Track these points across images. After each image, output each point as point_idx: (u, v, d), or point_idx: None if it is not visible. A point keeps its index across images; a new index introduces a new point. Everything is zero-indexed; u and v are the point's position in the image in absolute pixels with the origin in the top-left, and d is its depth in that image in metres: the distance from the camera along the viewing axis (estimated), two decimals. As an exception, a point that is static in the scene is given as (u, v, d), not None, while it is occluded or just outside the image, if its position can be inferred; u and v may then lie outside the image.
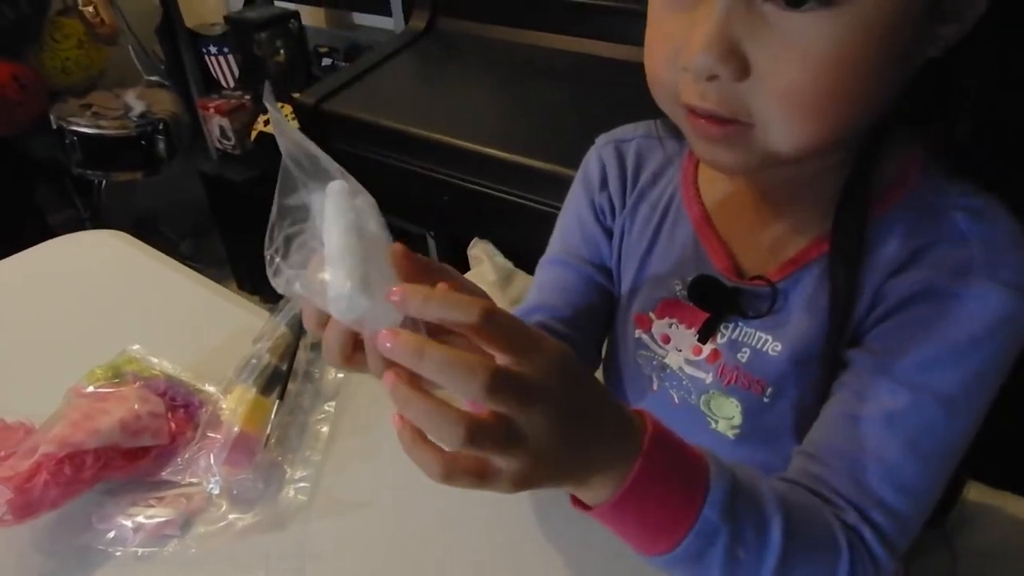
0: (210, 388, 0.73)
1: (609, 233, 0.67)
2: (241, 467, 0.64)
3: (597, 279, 0.67)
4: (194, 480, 0.64)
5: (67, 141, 2.16)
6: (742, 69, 0.44)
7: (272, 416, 0.69)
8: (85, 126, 2.14)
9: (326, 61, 2.15)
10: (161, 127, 2.22)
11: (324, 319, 0.43)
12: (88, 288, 0.94)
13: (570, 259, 0.68)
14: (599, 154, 0.69)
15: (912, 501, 0.48)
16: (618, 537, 0.43)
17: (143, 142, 2.21)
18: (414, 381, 0.36)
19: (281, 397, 0.71)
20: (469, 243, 1.44)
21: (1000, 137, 0.51)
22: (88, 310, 0.90)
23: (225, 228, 2.35)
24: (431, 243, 1.73)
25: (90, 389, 0.68)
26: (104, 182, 2.34)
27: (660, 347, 0.62)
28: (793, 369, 0.54)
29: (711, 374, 0.59)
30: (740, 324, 0.57)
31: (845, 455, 0.49)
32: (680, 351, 0.61)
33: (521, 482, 0.38)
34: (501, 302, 0.62)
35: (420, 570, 0.59)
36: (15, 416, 0.65)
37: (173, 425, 0.67)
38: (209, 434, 0.65)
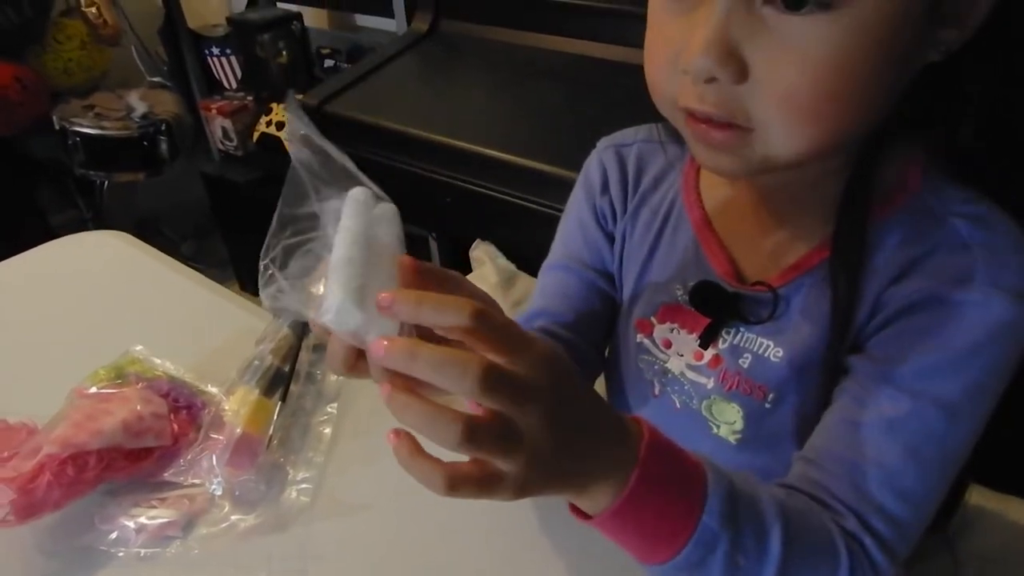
0: (213, 389, 0.73)
1: (611, 238, 0.67)
2: (243, 468, 0.64)
3: (599, 284, 0.67)
4: (196, 481, 0.64)
5: (69, 142, 2.16)
6: (741, 72, 0.44)
7: (274, 417, 0.69)
8: (87, 127, 2.14)
9: (328, 63, 2.15)
10: (163, 128, 2.22)
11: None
12: (90, 289, 0.95)
13: (572, 264, 0.68)
14: (600, 158, 0.69)
15: (912, 508, 0.48)
16: (618, 546, 0.43)
17: (145, 143, 2.22)
18: (411, 390, 0.37)
19: (283, 398, 0.71)
20: (471, 245, 1.44)
21: (1001, 141, 0.51)
22: (90, 311, 0.90)
23: (227, 229, 2.35)
24: (433, 245, 1.74)
25: (93, 390, 0.68)
26: (106, 183, 2.34)
27: (661, 352, 0.62)
28: (794, 375, 0.54)
29: (713, 379, 0.59)
30: (742, 330, 0.57)
31: (845, 461, 0.49)
32: (681, 356, 0.61)
33: (522, 486, 0.38)
34: (503, 304, 0.62)
35: (421, 571, 0.59)
36: (18, 417, 0.66)
37: (176, 426, 0.67)
38: (212, 435, 0.66)
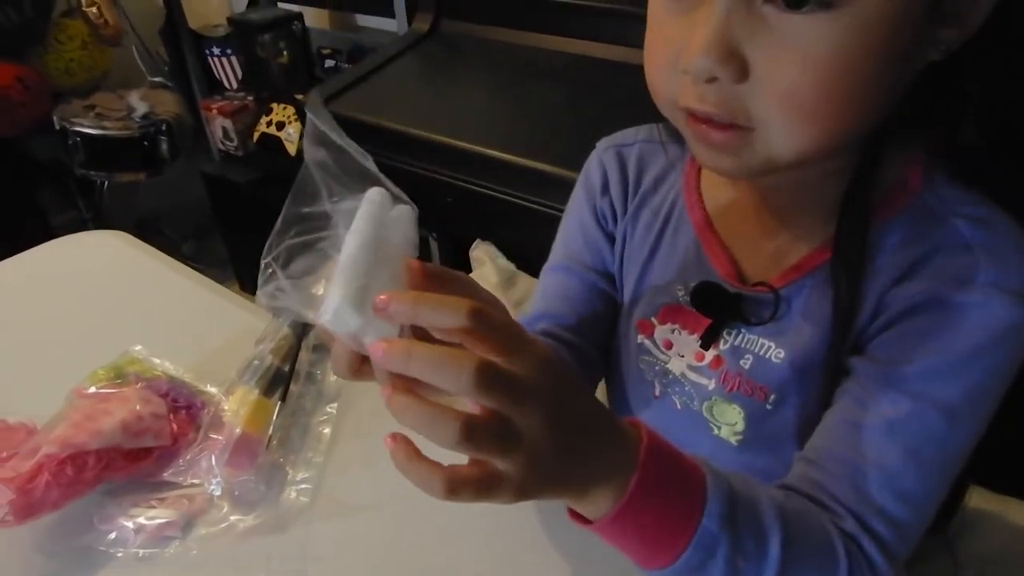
0: (212, 389, 0.73)
1: (611, 239, 0.67)
2: (243, 468, 0.64)
3: (601, 285, 0.67)
4: (196, 481, 0.64)
5: (70, 142, 2.16)
6: (742, 71, 0.43)
7: (274, 417, 0.69)
8: (88, 127, 2.14)
9: (329, 63, 2.15)
10: (164, 128, 2.22)
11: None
12: (90, 289, 0.94)
13: (573, 265, 0.68)
14: (600, 159, 0.68)
15: (912, 509, 0.48)
16: (619, 551, 0.43)
17: (146, 143, 2.22)
18: (413, 392, 0.37)
19: (283, 399, 0.71)
20: (471, 245, 1.44)
21: (1002, 141, 0.51)
22: (90, 311, 0.90)
23: (227, 229, 2.35)
24: (433, 245, 1.73)
25: (92, 390, 0.68)
26: (107, 183, 2.34)
27: (662, 352, 0.62)
28: (796, 376, 0.54)
29: (714, 380, 0.59)
30: (743, 331, 0.57)
31: (846, 462, 0.49)
32: (682, 357, 0.61)
33: (522, 488, 0.38)
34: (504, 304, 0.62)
35: (421, 572, 0.59)
36: (17, 417, 0.65)
37: (175, 426, 0.67)
38: (211, 435, 0.65)
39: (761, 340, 0.56)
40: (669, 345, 0.62)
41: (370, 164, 0.42)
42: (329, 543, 0.61)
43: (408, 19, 1.85)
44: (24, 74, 2.11)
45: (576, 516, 0.43)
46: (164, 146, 2.24)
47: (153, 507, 0.62)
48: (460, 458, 0.38)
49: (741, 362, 0.57)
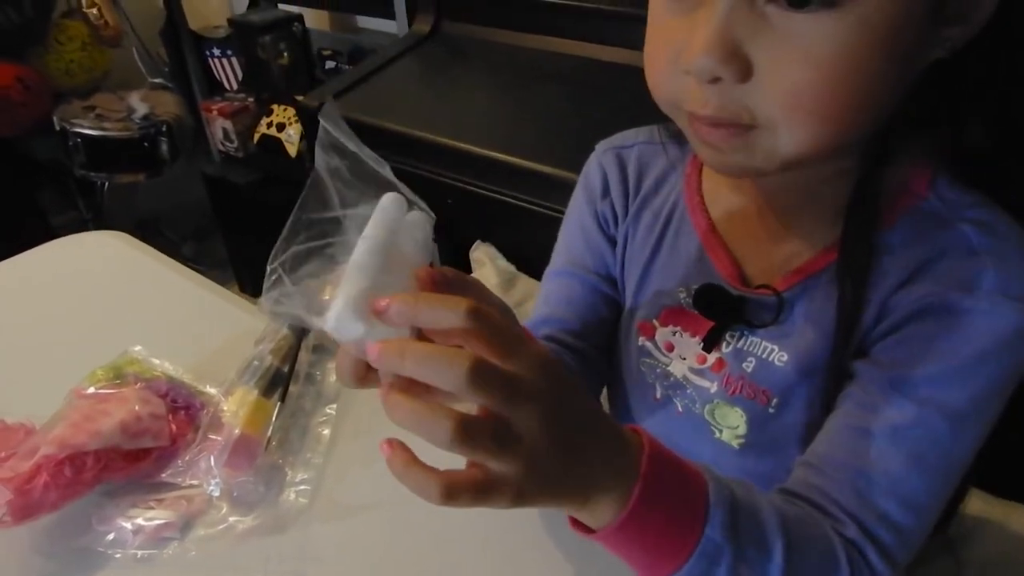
0: (211, 390, 0.73)
1: (613, 241, 0.67)
2: (242, 469, 0.64)
3: (603, 289, 0.67)
4: (194, 482, 0.64)
5: (70, 143, 2.16)
6: (744, 71, 0.43)
7: (273, 418, 0.68)
8: (88, 128, 2.15)
9: (330, 64, 2.15)
10: (164, 129, 2.22)
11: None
12: (90, 289, 0.94)
13: (575, 270, 0.68)
14: (599, 161, 0.68)
15: (915, 515, 0.48)
16: (621, 559, 0.43)
17: (146, 144, 2.22)
18: (411, 392, 0.36)
19: (282, 399, 0.71)
20: (472, 246, 1.44)
21: (1007, 140, 0.50)
22: (90, 311, 0.90)
23: (227, 230, 2.35)
24: (433, 246, 1.73)
25: (91, 390, 0.68)
26: (107, 184, 2.34)
27: (664, 355, 0.62)
28: (799, 380, 0.54)
29: (716, 383, 0.58)
30: (746, 333, 0.57)
31: (849, 467, 0.48)
32: (684, 359, 0.60)
33: (520, 492, 0.37)
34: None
35: (420, 574, 0.59)
36: (16, 417, 0.65)
37: (174, 427, 0.67)
38: (210, 436, 0.65)
39: (764, 343, 0.56)
40: (670, 347, 0.61)
41: (386, 171, 0.42)
42: (328, 544, 0.61)
43: (408, 21, 1.85)
44: (24, 74, 2.11)
45: (578, 525, 0.42)
46: (164, 147, 2.25)
47: (152, 508, 0.62)
48: (459, 465, 0.38)
49: (744, 365, 0.57)
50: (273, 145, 2.04)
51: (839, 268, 0.51)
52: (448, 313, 0.36)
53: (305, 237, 0.41)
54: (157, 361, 0.76)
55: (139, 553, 0.60)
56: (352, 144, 0.41)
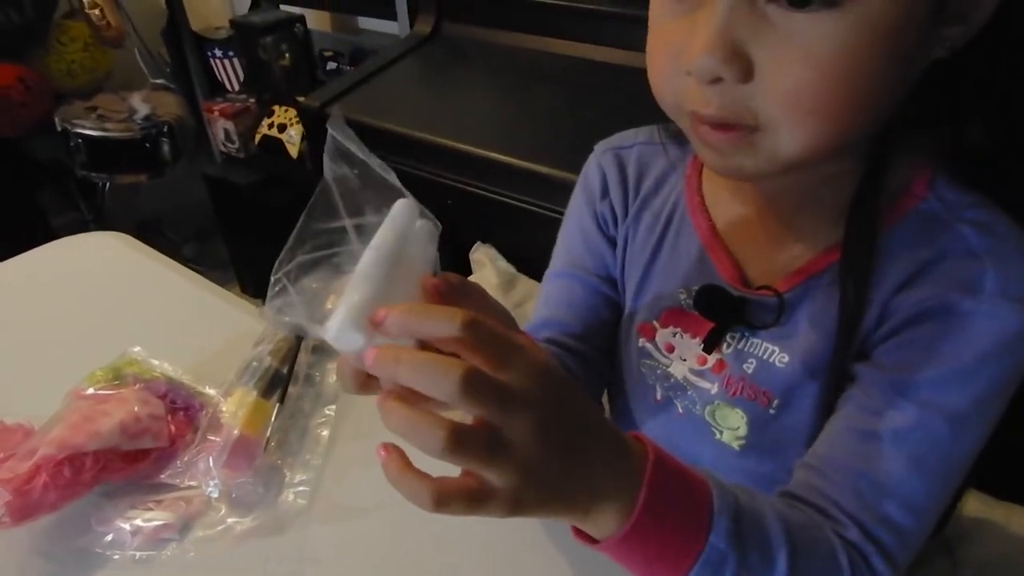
0: (211, 391, 0.73)
1: (612, 242, 0.67)
2: (240, 470, 0.64)
3: (604, 290, 0.67)
4: (193, 483, 0.64)
5: (71, 143, 2.16)
6: (746, 71, 0.43)
7: (272, 419, 0.68)
8: (90, 128, 2.15)
9: (331, 65, 2.15)
10: (166, 130, 2.23)
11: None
12: (90, 290, 0.94)
13: (575, 271, 0.67)
14: (599, 162, 0.68)
15: (916, 517, 0.48)
16: (623, 567, 0.42)
17: (147, 145, 2.22)
18: (407, 400, 0.36)
19: (282, 400, 0.71)
20: (471, 247, 1.44)
21: (1007, 140, 0.50)
22: (90, 312, 0.90)
23: (228, 231, 2.35)
24: (433, 248, 1.73)
25: (90, 391, 0.68)
26: (108, 184, 2.34)
27: (664, 356, 0.62)
28: (800, 381, 0.54)
29: (716, 384, 0.58)
30: (746, 335, 0.57)
31: (849, 469, 0.48)
32: (685, 361, 0.60)
33: (516, 501, 0.37)
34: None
35: (420, 575, 0.59)
36: (15, 418, 0.65)
37: (173, 428, 0.67)
38: (209, 437, 0.65)
39: (765, 344, 0.56)
40: (671, 349, 0.61)
41: (393, 178, 0.42)
42: (327, 545, 0.61)
43: (410, 22, 1.85)
44: (25, 75, 2.12)
45: (581, 534, 0.42)
46: (166, 148, 2.25)
47: (150, 509, 0.62)
48: (457, 472, 0.37)
49: (744, 366, 0.56)
50: (274, 146, 2.04)
51: (841, 268, 0.51)
52: (444, 324, 0.36)
53: (311, 246, 0.41)
54: (156, 362, 0.76)
55: (138, 554, 0.60)
56: (360, 152, 0.41)
